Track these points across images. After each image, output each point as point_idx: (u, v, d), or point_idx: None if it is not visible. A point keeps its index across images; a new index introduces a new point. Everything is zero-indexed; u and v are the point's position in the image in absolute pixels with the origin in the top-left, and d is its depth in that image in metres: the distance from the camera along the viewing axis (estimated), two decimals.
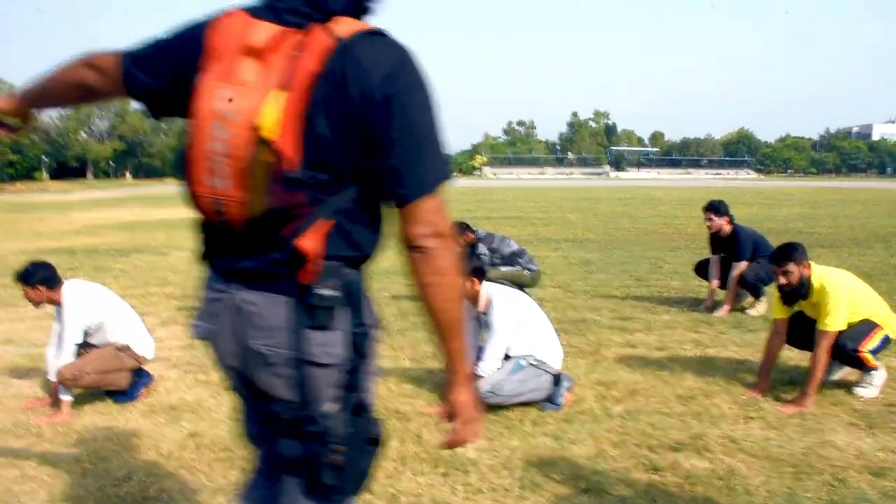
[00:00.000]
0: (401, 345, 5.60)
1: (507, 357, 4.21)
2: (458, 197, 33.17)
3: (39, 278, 4.14)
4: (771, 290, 5.48)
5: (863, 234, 14.02)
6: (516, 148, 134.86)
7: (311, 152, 1.40)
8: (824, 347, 4.16)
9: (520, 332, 4.21)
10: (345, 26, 1.44)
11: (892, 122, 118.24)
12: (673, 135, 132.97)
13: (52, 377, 4.14)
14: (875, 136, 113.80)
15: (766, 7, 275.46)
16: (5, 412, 4.28)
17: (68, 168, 76.64)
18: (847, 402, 4.25)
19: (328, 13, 1.46)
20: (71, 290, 4.24)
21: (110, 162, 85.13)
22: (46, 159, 72.62)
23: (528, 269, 6.86)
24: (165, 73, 1.56)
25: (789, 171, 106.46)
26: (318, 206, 1.43)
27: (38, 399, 4.49)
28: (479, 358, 4.11)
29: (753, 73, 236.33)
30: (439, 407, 3.74)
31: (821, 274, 4.31)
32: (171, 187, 63.72)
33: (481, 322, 4.33)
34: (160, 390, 4.63)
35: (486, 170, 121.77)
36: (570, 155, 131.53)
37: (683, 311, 6.86)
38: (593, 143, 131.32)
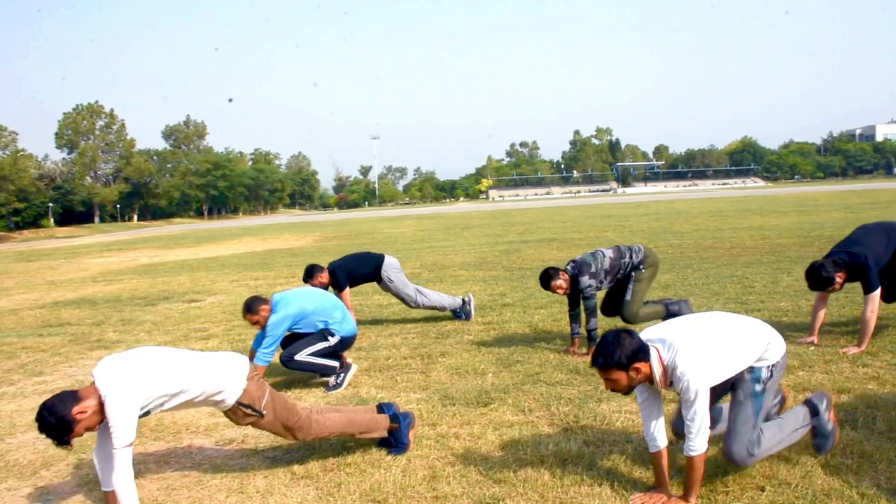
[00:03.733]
0: None
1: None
2: (477, 222, 32.37)
3: None
4: None
5: None
6: (521, 169, 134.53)
7: None
8: None
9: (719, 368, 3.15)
10: None
11: (895, 121, 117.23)
12: (677, 147, 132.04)
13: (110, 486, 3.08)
14: (879, 137, 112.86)
15: (762, 11, 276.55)
16: None
17: (74, 213, 76.15)
18: None
19: None
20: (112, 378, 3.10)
21: (116, 205, 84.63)
22: (52, 205, 72.14)
23: (640, 264, 6.04)
24: None
25: (796, 176, 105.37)
26: None
27: None
28: (687, 438, 3.05)
29: (753, 80, 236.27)
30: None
31: None
32: (179, 227, 63.71)
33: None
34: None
35: (493, 192, 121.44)
36: (576, 173, 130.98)
37: (832, 339, 5.77)
38: (598, 160, 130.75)
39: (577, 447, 3.77)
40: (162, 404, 3.23)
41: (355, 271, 7.44)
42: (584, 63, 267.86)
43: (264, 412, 3.48)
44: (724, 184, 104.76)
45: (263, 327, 5.28)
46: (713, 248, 13.58)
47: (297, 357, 5.29)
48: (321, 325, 5.45)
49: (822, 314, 5.74)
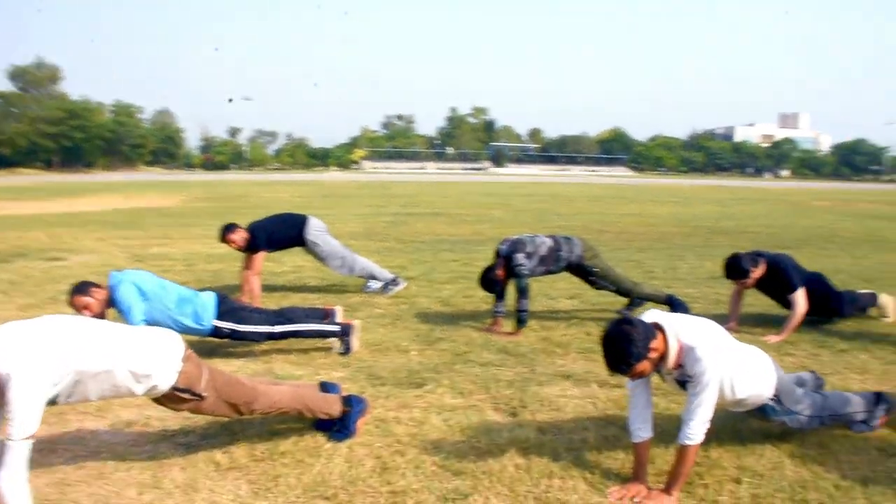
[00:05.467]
0: None
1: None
2: (356, 192, 31.74)
3: None
4: None
5: (804, 235, 13.87)
6: (396, 142, 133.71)
7: None
8: None
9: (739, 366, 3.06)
10: None
11: (752, 125, 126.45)
12: (551, 132, 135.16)
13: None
14: (737, 138, 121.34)
15: (638, 10, 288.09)
16: None
17: None
18: None
19: None
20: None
21: None
22: None
23: (581, 258, 5.89)
24: None
25: (661, 168, 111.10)
26: None
27: None
28: (686, 424, 2.85)
29: (625, 74, 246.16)
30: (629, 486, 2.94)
31: None
32: (26, 178, 57.97)
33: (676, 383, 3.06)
34: None
35: (366, 163, 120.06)
36: (451, 150, 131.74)
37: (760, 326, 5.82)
38: (473, 139, 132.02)
39: (533, 435, 3.50)
40: (73, 390, 2.63)
41: (277, 233, 6.85)
42: (464, 41, 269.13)
43: (205, 394, 2.94)
44: (593, 171, 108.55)
45: (97, 314, 4.30)
46: (603, 231, 13.82)
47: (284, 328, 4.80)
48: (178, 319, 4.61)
49: (740, 303, 5.84)
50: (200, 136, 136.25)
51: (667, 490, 2.85)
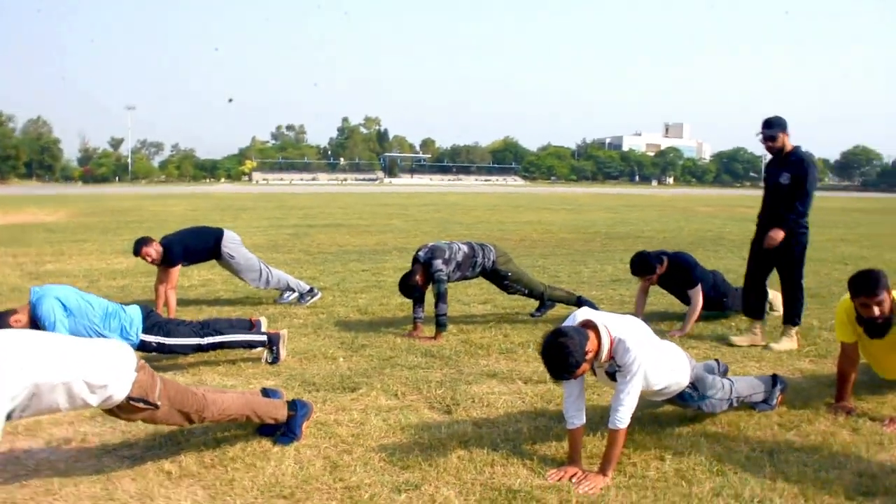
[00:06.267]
0: None
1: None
2: (252, 204, 31.19)
3: None
4: None
5: (694, 238, 14.87)
6: (287, 153, 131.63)
7: None
8: None
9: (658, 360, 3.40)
10: None
11: (639, 134, 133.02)
12: (443, 142, 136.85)
13: None
14: (625, 147, 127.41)
15: (522, 20, 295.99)
16: None
17: None
18: None
19: None
20: None
21: None
22: None
23: (494, 264, 6.20)
24: None
25: (553, 177, 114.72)
26: None
27: None
28: (616, 409, 3.16)
29: (517, 84, 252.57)
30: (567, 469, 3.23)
31: None
32: None
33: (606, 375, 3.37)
34: None
35: (257, 175, 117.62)
36: (343, 160, 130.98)
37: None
38: (365, 149, 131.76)
39: (470, 429, 3.74)
40: (28, 403, 2.64)
41: (193, 246, 6.78)
42: (355, 51, 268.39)
43: (159, 403, 3.00)
44: (486, 180, 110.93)
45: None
46: (503, 239, 14.28)
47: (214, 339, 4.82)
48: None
49: (644, 300, 6.32)
50: (79, 147, 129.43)
51: (602, 471, 3.15)
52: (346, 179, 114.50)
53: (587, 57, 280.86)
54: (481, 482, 3.11)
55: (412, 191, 55.21)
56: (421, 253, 5.94)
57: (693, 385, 3.59)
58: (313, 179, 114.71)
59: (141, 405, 2.96)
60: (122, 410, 2.98)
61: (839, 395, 4.12)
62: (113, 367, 2.87)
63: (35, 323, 4.39)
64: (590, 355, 3.12)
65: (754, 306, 5.74)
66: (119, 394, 2.89)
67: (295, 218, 21.60)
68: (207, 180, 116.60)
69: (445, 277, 5.83)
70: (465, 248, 6.08)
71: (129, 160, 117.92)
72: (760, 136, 5.51)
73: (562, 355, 3.04)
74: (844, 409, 4.00)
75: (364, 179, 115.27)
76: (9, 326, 4.17)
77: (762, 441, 3.61)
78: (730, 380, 3.87)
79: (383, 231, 16.45)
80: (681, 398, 3.62)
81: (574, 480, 3.11)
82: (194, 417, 3.20)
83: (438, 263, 5.81)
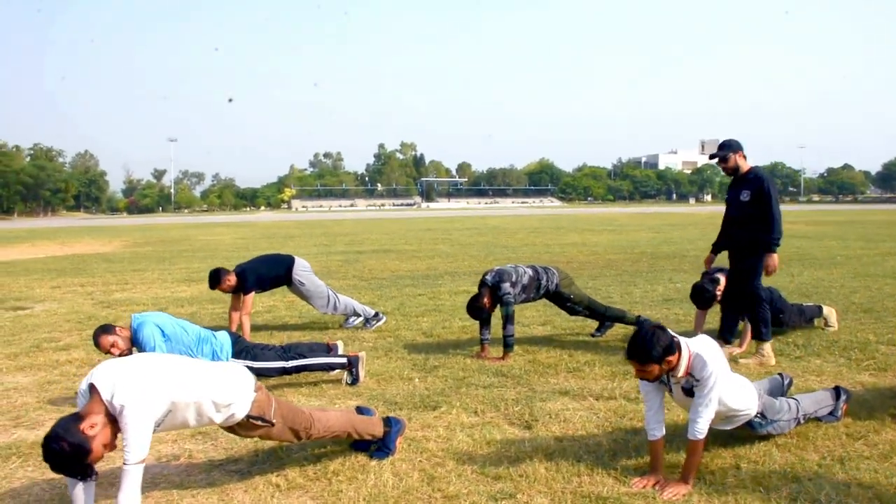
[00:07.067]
0: None
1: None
2: (296, 231, 31.81)
3: None
4: None
5: None
6: (325, 180, 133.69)
7: None
8: None
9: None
10: None
11: (674, 152, 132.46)
12: (479, 165, 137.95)
13: None
14: (661, 165, 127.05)
15: (558, 41, 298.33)
16: None
17: None
18: None
19: None
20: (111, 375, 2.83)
21: None
22: None
23: (557, 286, 6.41)
24: None
25: (589, 198, 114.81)
26: None
27: None
28: (694, 421, 3.34)
29: (551, 106, 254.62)
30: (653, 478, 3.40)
31: None
32: None
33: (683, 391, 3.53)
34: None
35: (296, 202, 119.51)
36: (380, 186, 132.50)
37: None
38: (402, 175, 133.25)
39: (553, 443, 3.92)
40: (164, 419, 2.92)
41: (265, 274, 7.10)
42: (391, 77, 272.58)
43: (274, 421, 3.26)
44: (523, 202, 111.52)
45: (122, 352, 4.60)
46: (553, 262, 14.40)
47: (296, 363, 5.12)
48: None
49: (702, 321, 6.45)
50: (124, 179, 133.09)
51: (683, 479, 3.32)
52: (384, 205, 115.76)
53: (621, 76, 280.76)
54: (570, 490, 3.29)
55: (451, 215, 55.67)
56: (488, 277, 6.15)
57: (762, 414, 3.73)
58: (351, 205, 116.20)
59: (259, 423, 3.22)
60: (241, 427, 3.24)
61: None
62: (236, 388, 3.14)
63: (135, 346, 4.72)
64: (666, 366, 3.31)
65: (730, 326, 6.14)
66: (240, 412, 3.15)
67: (341, 244, 22.04)
68: (248, 209, 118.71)
69: (513, 300, 6.03)
70: (529, 272, 6.28)
71: (172, 190, 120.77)
72: (716, 160, 5.94)
73: (648, 343, 3.25)
74: None
75: (402, 204, 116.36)
76: (115, 335, 4.61)
77: (832, 450, 3.74)
78: (795, 399, 3.99)
79: (431, 256, 16.71)
80: (749, 426, 3.75)
81: (658, 488, 3.28)
82: (303, 434, 3.44)
83: (507, 287, 6.02)
